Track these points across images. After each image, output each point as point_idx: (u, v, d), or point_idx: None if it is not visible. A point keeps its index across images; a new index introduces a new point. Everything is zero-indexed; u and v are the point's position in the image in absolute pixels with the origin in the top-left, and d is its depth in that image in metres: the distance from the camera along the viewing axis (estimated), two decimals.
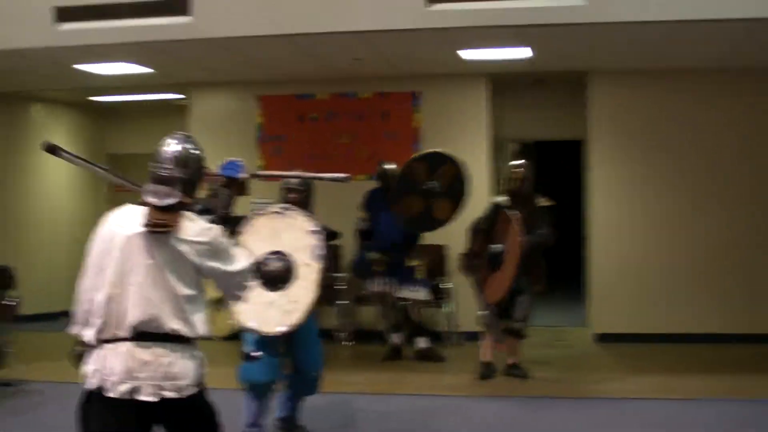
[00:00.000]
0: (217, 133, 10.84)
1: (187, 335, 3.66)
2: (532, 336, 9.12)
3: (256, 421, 5.84)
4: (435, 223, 8.62)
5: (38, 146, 13.56)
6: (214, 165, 6.57)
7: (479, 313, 8.15)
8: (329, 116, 10.77)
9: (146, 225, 3.62)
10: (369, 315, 10.08)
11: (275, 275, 5.58)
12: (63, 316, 8.85)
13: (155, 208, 3.67)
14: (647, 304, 10.05)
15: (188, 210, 3.78)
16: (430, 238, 9.36)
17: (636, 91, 10.18)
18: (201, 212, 4.04)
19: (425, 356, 9.07)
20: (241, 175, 5.81)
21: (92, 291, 3.67)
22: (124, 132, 13.60)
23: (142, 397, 3.56)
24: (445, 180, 8.38)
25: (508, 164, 8.50)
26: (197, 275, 3.71)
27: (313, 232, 5.63)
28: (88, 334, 3.66)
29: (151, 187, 3.73)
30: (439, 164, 8.41)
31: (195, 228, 3.72)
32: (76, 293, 3.76)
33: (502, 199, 8.23)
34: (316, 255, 5.59)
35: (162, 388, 3.58)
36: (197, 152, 3.87)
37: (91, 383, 3.62)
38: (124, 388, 3.55)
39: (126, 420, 3.60)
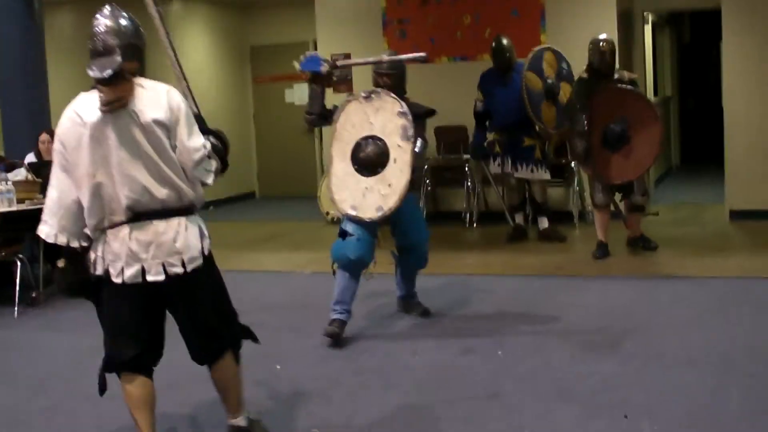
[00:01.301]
0: (343, 20, 10.95)
1: (181, 205, 3.63)
2: (665, 213, 8.86)
3: (343, 300, 5.82)
4: None
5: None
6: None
7: (597, 193, 7.99)
8: None
9: (100, 107, 3.52)
10: (495, 196, 10.05)
11: (370, 160, 5.68)
12: None
13: (104, 83, 3.53)
14: None
15: (138, 76, 3.65)
16: None
17: None
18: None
19: (547, 236, 9.01)
20: (323, 68, 5.89)
21: (71, 191, 3.62)
22: (262, 24, 13.80)
23: (150, 278, 3.57)
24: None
25: (593, 39, 7.97)
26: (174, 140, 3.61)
27: (402, 113, 5.65)
28: (87, 228, 3.64)
29: (93, 62, 3.57)
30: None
31: (149, 95, 3.61)
32: (49, 198, 3.71)
33: (585, 74, 7.95)
34: (407, 136, 5.62)
35: (168, 264, 3.58)
36: (127, 20, 3.67)
37: (98, 270, 3.64)
38: (130, 272, 3.56)
39: (136, 303, 3.64)
